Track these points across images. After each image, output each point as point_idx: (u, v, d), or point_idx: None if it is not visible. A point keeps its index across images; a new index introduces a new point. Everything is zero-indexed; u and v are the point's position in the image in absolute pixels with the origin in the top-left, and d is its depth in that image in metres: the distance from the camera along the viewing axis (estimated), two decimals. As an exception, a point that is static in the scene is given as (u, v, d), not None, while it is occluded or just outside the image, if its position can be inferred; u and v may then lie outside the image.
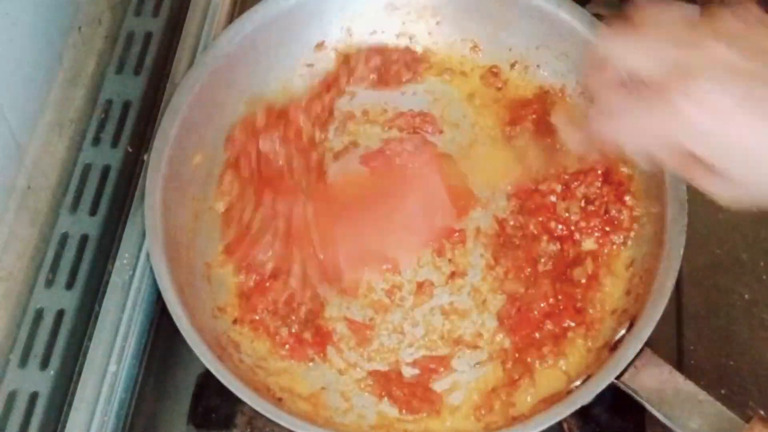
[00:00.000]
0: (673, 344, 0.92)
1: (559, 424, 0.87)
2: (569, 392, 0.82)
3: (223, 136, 0.99)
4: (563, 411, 0.78)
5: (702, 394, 0.77)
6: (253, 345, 0.90)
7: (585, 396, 0.78)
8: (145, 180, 0.90)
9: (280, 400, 0.85)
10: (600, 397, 0.81)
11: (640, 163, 0.70)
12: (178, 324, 0.82)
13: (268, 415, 0.78)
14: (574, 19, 0.96)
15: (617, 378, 0.78)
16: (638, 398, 0.78)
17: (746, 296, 0.95)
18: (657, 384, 0.78)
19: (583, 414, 0.87)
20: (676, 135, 0.64)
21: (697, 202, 0.83)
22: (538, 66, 1.02)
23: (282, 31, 1.01)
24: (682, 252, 0.83)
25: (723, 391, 0.90)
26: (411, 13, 1.04)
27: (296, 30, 1.02)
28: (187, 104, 0.94)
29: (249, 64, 1.00)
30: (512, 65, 1.03)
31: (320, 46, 1.04)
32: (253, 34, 0.98)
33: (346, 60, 1.04)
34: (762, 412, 0.89)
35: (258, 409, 0.78)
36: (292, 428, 0.78)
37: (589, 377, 0.82)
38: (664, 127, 0.64)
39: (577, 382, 0.83)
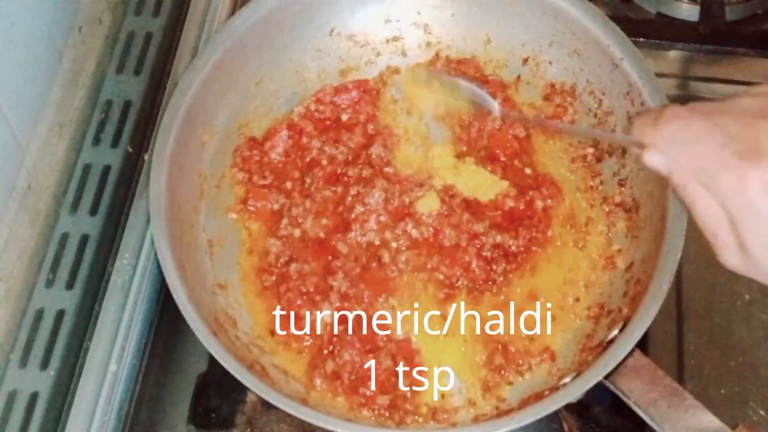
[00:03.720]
0: (673, 344, 0.92)
1: (560, 423, 0.88)
2: (558, 389, 0.82)
3: (234, 116, 0.99)
4: (549, 406, 0.78)
5: (690, 399, 0.77)
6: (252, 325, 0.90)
7: (572, 393, 0.78)
8: (149, 168, 0.89)
9: (273, 379, 0.85)
10: (600, 398, 0.81)
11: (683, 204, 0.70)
12: (175, 298, 0.82)
13: (258, 393, 0.78)
14: (586, 18, 0.96)
15: (606, 377, 0.78)
16: (625, 399, 0.78)
17: (746, 296, 0.95)
18: (646, 386, 0.78)
19: (583, 414, 0.87)
20: (732, 207, 0.64)
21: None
22: (549, 63, 1.02)
23: (295, 16, 1.01)
24: (679, 257, 0.82)
25: (723, 391, 0.90)
26: (426, 3, 1.05)
27: (309, 15, 1.02)
28: (199, 81, 0.93)
29: (261, 45, 1.00)
30: (524, 61, 1.04)
31: (333, 31, 1.04)
32: (267, 16, 0.98)
33: None
34: (762, 413, 0.89)
35: (248, 385, 0.78)
36: (282, 407, 0.78)
37: (578, 375, 0.82)
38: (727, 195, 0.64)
39: (567, 379, 0.83)
